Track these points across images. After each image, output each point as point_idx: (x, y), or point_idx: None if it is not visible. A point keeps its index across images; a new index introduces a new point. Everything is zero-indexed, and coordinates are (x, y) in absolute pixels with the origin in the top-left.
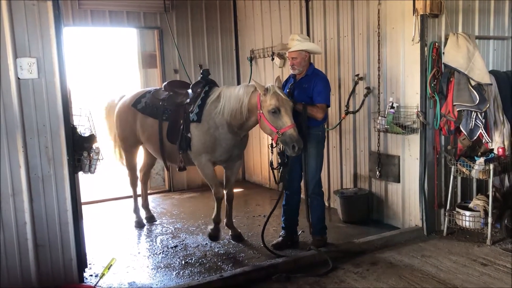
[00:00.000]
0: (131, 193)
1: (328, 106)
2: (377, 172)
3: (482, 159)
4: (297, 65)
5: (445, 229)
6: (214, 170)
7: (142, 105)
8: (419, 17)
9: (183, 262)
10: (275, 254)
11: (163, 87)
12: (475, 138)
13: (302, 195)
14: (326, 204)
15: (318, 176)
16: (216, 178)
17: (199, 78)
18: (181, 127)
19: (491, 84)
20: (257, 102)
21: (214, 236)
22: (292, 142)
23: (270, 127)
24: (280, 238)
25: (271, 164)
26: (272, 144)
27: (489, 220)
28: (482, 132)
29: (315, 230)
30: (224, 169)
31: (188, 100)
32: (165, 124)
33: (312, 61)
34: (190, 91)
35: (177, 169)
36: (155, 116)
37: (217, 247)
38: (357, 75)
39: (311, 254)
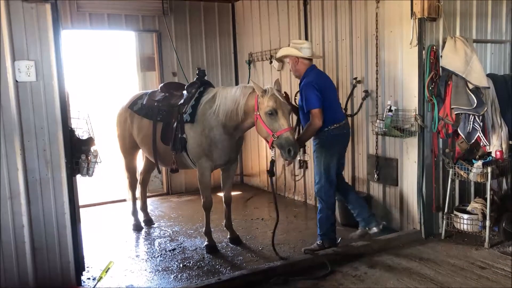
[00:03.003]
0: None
1: (316, 107)
2: (375, 175)
3: (480, 162)
4: (292, 70)
5: (443, 232)
6: (210, 180)
7: (138, 106)
8: (417, 20)
9: (181, 265)
10: (281, 258)
11: (159, 88)
12: (473, 141)
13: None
14: None
15: (321, 182)
16: (209, 189)
17: (194, 78)
18: (174, 127)
19: (489, 88)
20: (254, 104)
21: (211, 246)
22: (288, 146)
23: (266, 129)
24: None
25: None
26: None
27: (487, 223)
28: (480, 135)
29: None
30: (220, 172)
31: (182, 101)
32: (159, 125)
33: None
34: (185, 92)
35: (169, 171)
36: (150, 117)
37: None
38: (355, 78)
39: (309, 257)
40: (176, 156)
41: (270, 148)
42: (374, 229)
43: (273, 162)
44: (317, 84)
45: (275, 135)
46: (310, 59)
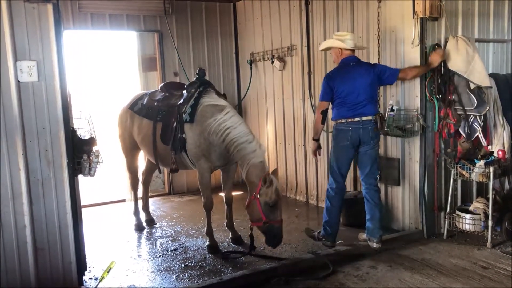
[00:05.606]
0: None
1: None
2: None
3: (482, 162)
4: (335, 62)
5: (445, 232)
6: (210, 180)
7: (139, 106)
8: (418, 20)
9: (183, 265)
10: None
11: (159, 88)
12: (474, 139)
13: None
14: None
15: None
16: (210, 190)
17: (194, 78)
18: (174, 127)
19: (491, 87)
20: (257, 185)
21: (213, 246)
22: (275, 237)
23: (262, 215)
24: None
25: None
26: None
27: (489, 223)
28: (479, 135)
29: None
30: (221, 172)
31: (181, 101)
32: (159, 125)
33: (312, 62)
34: (184, 91)
35: (169, 171)
36: (150, 117)
37: None
38: None
39: (310, 257)
40: (176, 156)
41: (251, 227)
42: (374, 245)
43: (252, 238)
44: (329, 78)
45: (266, 222)
46: (352, 50)
